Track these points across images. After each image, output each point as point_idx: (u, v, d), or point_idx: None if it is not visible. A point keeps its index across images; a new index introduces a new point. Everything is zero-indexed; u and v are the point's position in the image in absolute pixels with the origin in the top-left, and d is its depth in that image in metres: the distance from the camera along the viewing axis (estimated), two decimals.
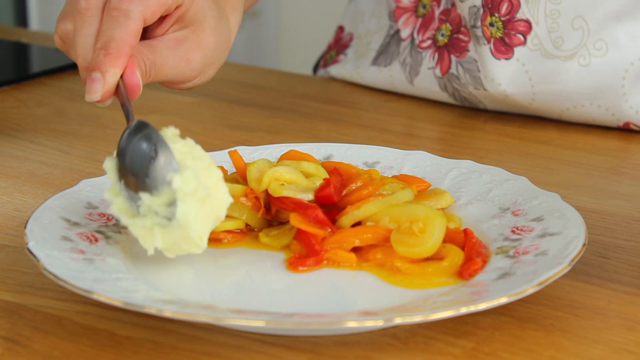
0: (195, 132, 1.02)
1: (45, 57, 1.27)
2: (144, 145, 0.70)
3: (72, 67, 1.22)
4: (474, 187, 0.81)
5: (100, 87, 0.74)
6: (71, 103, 1.11)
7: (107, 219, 0.76)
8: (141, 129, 0.71)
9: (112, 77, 0.74)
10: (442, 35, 1.06)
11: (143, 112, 1.07)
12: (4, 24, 2.91)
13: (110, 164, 0.71)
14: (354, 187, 0.77)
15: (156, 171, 0.69)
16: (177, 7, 0.80)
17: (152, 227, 0.68)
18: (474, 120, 1.06)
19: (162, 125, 1.04)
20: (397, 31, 1.10)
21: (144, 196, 0.68)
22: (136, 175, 0.69)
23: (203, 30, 0.83)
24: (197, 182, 0.68)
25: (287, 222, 0.75)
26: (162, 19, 0.81)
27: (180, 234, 0.68)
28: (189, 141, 0.71)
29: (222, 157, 0.85)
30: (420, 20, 1.08)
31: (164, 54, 0.80)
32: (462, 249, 0.72)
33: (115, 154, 0.71)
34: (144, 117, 1.06)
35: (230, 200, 0.71)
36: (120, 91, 0.75)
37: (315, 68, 1.31)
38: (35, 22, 2.97)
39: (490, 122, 1.05)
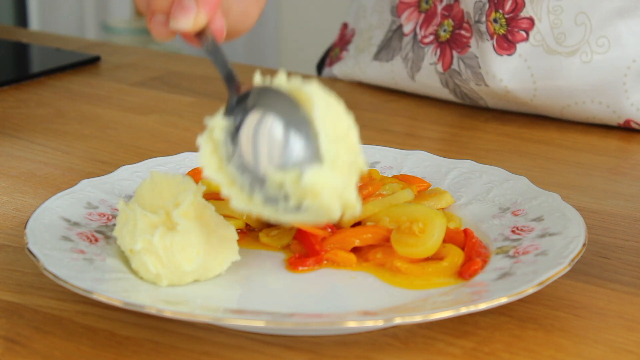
0: (195, 132, 1.01)
1: (45, 57, 1.27)
2: (280, 116, 0.64)
3: (72, 67, 1.22)
4: (474, 187, 0.81)
5: (192, 17, 0.69)
6: (71, 103, 1.11)
7: (107, 219, 0.76)
8: (264, 93, 0.65)
9: (208, 9, 0.69)
10: (444, 30, 1.06)
11: (143, 111, 1.08)
12: (4, 24, 2.91)
13: (221, 123, 0.66)
14: None
15: (291, 148, 0.63)
16: None
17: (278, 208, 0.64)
18: (474, 121, 1.06)
19: (164, 124, 1.04)
20: (400, 26, 1.11)
21: (275, 173, 0.63)
22: (264, 147, 0.64)
23: None
24: (333, 179, 0.62)
25: None
26: None
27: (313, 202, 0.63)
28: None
29: None
30: (422, 15, 1.08)
31: (230, 2, 0.76)
32: (462, 249, 0.72)
33: (224, 112, 0.66)
34: (144, 116, 1.06)
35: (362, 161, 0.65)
36: (205, 37, 0.70)
37: (319, 67, 1.31)
38: (35, 22, 2.97)
39: (491, 122, 1.05)
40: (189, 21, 0.69)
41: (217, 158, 0.66)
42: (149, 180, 0.70)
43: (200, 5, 0.69)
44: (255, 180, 0.64)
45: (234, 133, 0.66)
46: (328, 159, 0.63)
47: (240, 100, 0.67)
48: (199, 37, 0.70)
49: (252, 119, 0.65)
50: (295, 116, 0.63)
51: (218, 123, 0.66)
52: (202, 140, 0.66)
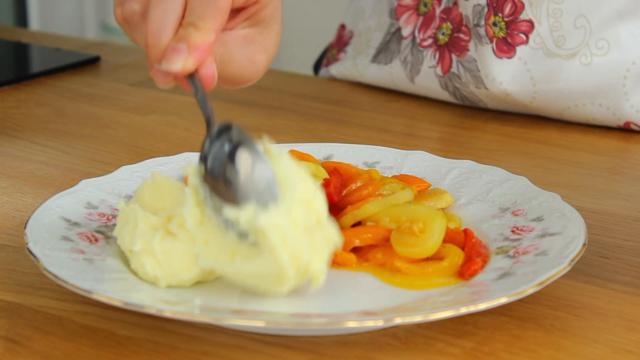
0: (195, 132, 1.02)
1: (45, 57, 1.27)
2: (243, 152, 0.66)
3: (72, 67, 1.22)
4: (474, 187, 0.81)
5: (182, 59, 0.70)
6: (71, 103, 1.11)
7: (107, 219, 0.76)
8: (233, 132, 0.67)
9: (198, 55, 0.70)
10: (443, 34, 1.06)
11: (143, 111, 1.08)
12: (4, 24, 2.91)
13: (193, 168, 0.68)
14: (354, 187, 0.77)
15: (249, 185, 0.65)
16: (255, 3, 0.77)
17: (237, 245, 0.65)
18: (474, 120, 1.06)
19: (164, 124, 1.04)
20: (398, 29, 1.11)
21: (230, 210, 0.65)
22: (225, 183, 0.66)
23: (270, 33, 0.79)
24: (285, 222, 0.64)
25: None
26: (236, 12, 0.77)
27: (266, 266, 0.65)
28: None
29: None
30: (421, 18, 1.08)
31: (232, 50, 0.77)
32: (462, 249, 0.72)
33: (200, 157, 0.68)
34: (144, 117, 1.06)
35: (337, 240, 0.67)
36: (193, 82, 0.71)
37: (316, 67, 1.31)
38: (35, 22, 2.97)
39: (491, 122, 1.05)
40: (178, 63, 0.70)
41: (200, 208, 0.67)
42: (149, 180, 0.70)
43: (190, 50, 0.70)
44: (227, 219, 0.66)
45: (205, 175, 0.67)
46: (283, 207, 0.64)
47: (213, 142, 0.68)
48: (189, 81, 0.72)
49: (219, 159, 0.67)
50: (259, 161, 0.65)
51: (191, 169, 0.68)
52: (187, 193, 0.67)
